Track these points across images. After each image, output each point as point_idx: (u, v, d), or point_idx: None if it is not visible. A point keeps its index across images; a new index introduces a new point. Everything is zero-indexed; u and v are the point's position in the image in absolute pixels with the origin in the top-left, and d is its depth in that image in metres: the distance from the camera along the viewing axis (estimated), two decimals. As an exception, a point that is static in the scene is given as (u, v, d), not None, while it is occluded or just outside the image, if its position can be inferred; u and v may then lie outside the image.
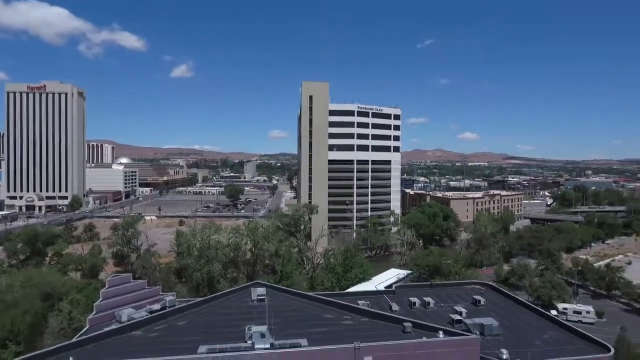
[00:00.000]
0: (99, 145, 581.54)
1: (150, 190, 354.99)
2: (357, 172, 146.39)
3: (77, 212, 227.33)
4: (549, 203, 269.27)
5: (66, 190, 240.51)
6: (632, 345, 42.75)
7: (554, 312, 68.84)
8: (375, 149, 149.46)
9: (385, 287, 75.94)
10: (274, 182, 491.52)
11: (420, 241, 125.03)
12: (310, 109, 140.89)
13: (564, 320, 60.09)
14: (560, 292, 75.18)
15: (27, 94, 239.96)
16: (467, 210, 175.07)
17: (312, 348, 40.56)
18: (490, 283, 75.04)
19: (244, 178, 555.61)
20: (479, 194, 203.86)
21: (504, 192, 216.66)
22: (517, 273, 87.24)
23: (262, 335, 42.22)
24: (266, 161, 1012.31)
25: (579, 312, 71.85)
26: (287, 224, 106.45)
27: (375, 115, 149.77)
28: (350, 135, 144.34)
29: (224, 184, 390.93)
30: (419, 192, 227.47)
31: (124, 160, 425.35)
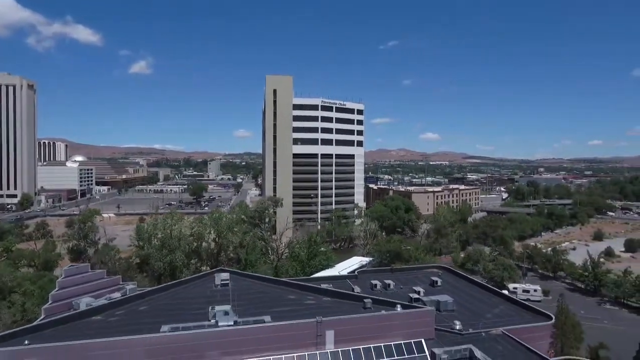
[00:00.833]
0: (51, 143, 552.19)
1: (108, 189, 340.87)
2: (321, 165, 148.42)
3: (27, 211, 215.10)
4: (504, 197, 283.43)
5: (15, 189, 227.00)
6: (569, 312, 46.85)
7: (505, 291, 73.52)
8: (339, 143, 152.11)
9: (348, 273, 78.05)
10: (239, 180, 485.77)
11: (383, 233, 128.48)
12: (275, 102, 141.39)
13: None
14: (511, 273, 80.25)
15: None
16: (428, 203, 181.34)
17: (276, 323, 41.60)
18: (448, 266, 78.90)
19: (208, 177, 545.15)
20: (439, 188, 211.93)
21: (462, 187, 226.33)
22: (472, 258, 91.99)
23: (226, 313, 42.77)
24: (231, 160, 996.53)
25: (528, 291, 77.02)
26: (251, 217, 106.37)
27: (338, 110, 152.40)
28: (315, 130, 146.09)
29: (186, 183, 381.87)
30: (382, 187, 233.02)
31: (79, 158, 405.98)
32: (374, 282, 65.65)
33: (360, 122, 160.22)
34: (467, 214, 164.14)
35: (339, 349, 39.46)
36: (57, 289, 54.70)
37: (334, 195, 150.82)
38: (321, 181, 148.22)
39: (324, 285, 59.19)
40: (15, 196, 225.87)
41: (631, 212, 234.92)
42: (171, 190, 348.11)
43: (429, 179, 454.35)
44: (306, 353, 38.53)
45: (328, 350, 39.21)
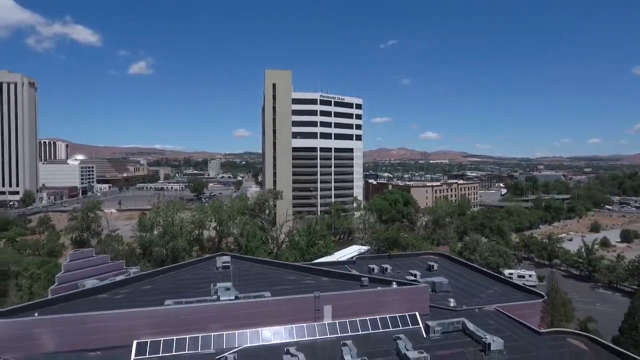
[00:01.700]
0: (52, 142, 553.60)
1: (109, 187, 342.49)
2: (320, 159, 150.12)
3: (30, 207, 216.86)
4: (503, 193, 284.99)
5: (17, 185, 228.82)
6: (560, 290, 48.36)
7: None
8: (338, 137, 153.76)
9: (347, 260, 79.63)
10: (239, 178, 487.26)
11: (382, 226, 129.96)
12: (274, 97, 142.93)
13: (509, 283, 65.65)
14: (507, 259, 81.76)
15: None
16: (427, 197, 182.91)
17: (275, 298, 43.18)
18: (444, 253, 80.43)
19: (208, 175, 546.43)
20: (437, 183, 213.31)
21: (461, 181, 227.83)
22: (469, 247, 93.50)
23: (227, 289, 44.39)
24: (231, 160, 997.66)
25: (523, 277, 78.55)
26: (252, 209, 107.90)
27: (337, 104, 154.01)
28: (314, 124, 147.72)
29: (187, 181, 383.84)
30: (382, 182, 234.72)
31: (80, 157, 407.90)
32: (371, 266, 67.17)
33: (359, 117, 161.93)
34: (466, 207, 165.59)
35: (336, 321, 40.96)
36: (62, 271, 56.27)
37: (333, 188, 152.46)
38: (320, 174, 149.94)
39: (322, 269, 60.62)
40: (17, 193, 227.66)
41: (629, 206, 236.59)
42: (172, 187, 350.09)
43: (429, 176, 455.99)
44: (304, 325, 40.03)
45: (326, 322, 40.71)
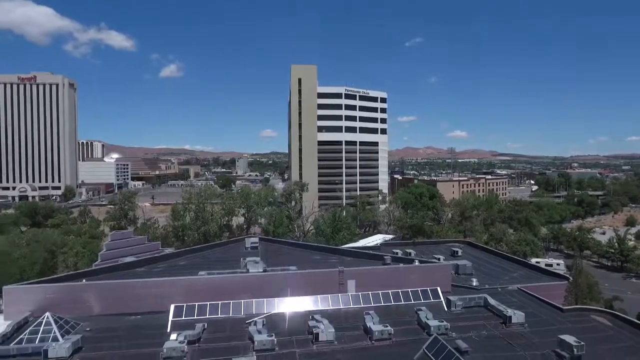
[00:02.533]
0: (89, 143, 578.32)
1: (143, 184, 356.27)
2: (345, 152, 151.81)
3: (70, 202, 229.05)
4: (533, 190, 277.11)
5: (59, 181, 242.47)
6: (584, 271, 48.17)
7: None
8: (363, 130, 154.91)
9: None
10: (266, 176, 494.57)
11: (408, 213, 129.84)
12: (299, 91, 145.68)
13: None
14: (534, 248, 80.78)
15: (18, 85, 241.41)
16: (453, 192, 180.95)
17: (301, 271, 45.43)
18: (470, 241, 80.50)
19: (236, 173, 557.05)
20: (464, 178, 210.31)
21: (489, 177, 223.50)
22: (495, 237, 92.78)
23: (256, 262, 46.98)
24: (258, 159, 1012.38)
25: (550, 265, 77.37)
26: (279, 201, 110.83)
27: (362, 98, 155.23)
28: (339, 117, 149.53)
29: (215, 178, 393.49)
30: (408, 177, 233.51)
31: (115, 155, 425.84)
32: (395, 251, 68.37)
33: (383, 110, 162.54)
34: (493, 202, 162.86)
35: (360, 293, 42.65)
36: (104, 250, 60.63)
37: (358, 181, 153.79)
38: (346, 168, 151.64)
39: (347, 255, 62.36)
40: (59, 188, 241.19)
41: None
42: (202, 184, 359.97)
43: (457, 174, 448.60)
44: (329, 295, 41.95)
45: (349, 294, 42.48)
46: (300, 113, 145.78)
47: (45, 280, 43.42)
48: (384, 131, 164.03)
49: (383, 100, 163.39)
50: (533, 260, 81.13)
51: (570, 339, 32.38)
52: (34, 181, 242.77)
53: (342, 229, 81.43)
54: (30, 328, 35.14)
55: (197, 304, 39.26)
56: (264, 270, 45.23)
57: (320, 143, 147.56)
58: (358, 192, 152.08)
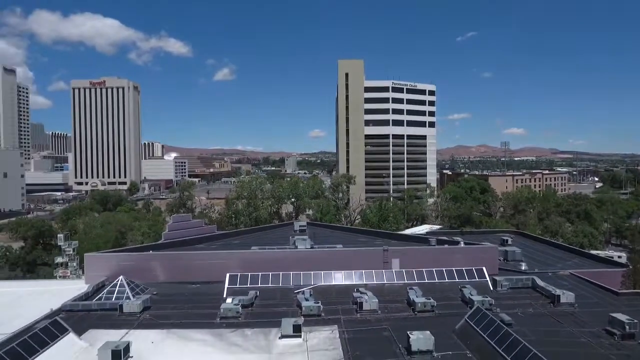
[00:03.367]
0: (150, 143, 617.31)
1: (198, 181, 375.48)
2: (392, 146, 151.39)
3: (134, 196, 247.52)
4: (597, 187, 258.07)
5: (125, 177, 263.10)
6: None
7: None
8: (410, 124, 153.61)
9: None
10: (314, 174, 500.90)
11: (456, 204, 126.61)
12: (347, 86, 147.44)
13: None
14: (592, 240, 76.47)
15: (90, 89, 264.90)
16: (507, 187, 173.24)
17: (347, 249, 47.38)
18: (522, 231, 77.87)
19: (285, 171, 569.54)
20: (519, 173, 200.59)
21: (546, 171, 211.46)
22: (550, 230, 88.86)
23: (304, 240, 49.57)
24: (306, 158, 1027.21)
25: (611, 257, 72.92)
26: (325, 194, 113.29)
27: (409, 91, 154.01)
28: (386, 111, 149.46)
29: (266, 175, 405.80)
30: (458, 172, 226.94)
31: (174, 154, 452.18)
32: (441, 238, 68.12)
33: (431, 103, 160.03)
34: (551, 197, 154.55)
35: (404, 270, 43.76)
36: (167, 230, 66.21)
37: (405, 175, 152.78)
38: (393, 161, 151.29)
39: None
40: (125, 183, 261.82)
41: None
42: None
43: (511, 172, 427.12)
44: (373, 271, 43.50)
45: (393, 270, 43.75)
46: (347, 107, 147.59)
47: (118, 250, 48.91)
48: (432, 124, 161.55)
49: (431, 93, 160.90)
50: (592, 253, 76.89)
51: (622, 316, 31.53)
52: (103, 177, 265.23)
53: (389, 218, 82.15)
54: (108, 288, 40.08)
55: (250, 273, 42.48)
56: (311, 247, 47.72)
57: (367, 137, 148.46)
58: (405, 186, 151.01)
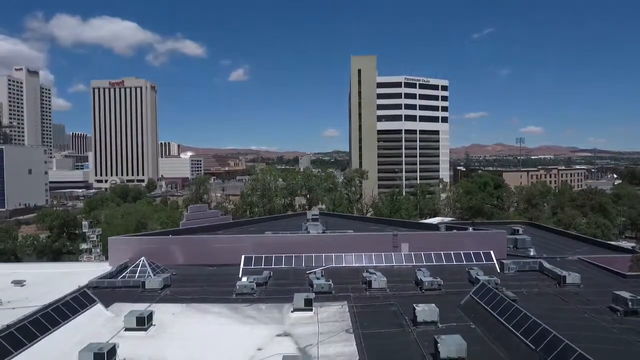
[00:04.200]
0: (166, 143, 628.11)
1: (214, 179, 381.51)
2: (405, 141, 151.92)
3: (152, 193, 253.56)
4: (616, 183, 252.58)
5: (143, 175, 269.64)
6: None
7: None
8: (423, 119, 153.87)
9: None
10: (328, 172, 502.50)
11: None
12: (359, 81, 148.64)
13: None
14: (605, 231, 76.11)
15: (109, 89, 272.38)
16: (521, 183, 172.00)
17: (357, 233, 48.92)
18: (533, 222, 78.03)
19: (299, 169, 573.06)
20: (534, 169, 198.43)
21: (562, 167, 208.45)
22: (564, 222, 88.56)
23: (316, 226, 51.28)
24: (320, 158, 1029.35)
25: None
26: (338, 189, 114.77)
27: (422, 86, 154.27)
28: (398, 106, 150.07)
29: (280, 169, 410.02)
30: (472, 168, 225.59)
31: (190, 153, 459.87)
32: (451, 225, 68.86)
33: (444, 99, 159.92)
34: (567, 192, 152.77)
35: (412, 253, 45.07)
36: (184, 220, 68.76)
37: (418, 170, 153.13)
38: (405, 156, 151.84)
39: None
40: (142, 181, 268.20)
41: None
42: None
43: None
44: (383, 253, 44.93)
45: (402, 253, 45.11)
46: (360, 103, 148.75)
47: (140, 234, 51.41)
48: (445, 120, 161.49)
49: (444, 88, 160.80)
50: (605, 244, 76.42)
51: (625, 294, 32.32)
52: (122, 174, 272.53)
53: (400, 209, 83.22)
54: (130, 268, 42.54)
55: (264, 255, 44.39)
56: (323, 232, 49.40)
57: (380, 132, 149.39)
58: (418, 181, 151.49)
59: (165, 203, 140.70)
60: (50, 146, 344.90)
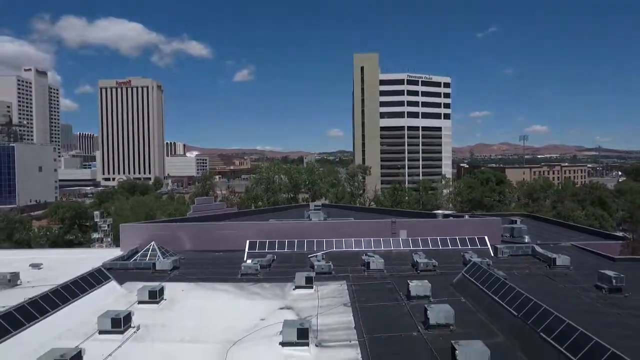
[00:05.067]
0: (172, 143, 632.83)
1: (219, 177, 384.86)
2: (408, 138, 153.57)
3: (158, 191, 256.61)
4: (620, 181, 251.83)
5: (149, 173, 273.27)
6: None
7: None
8: (426, 116, 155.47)
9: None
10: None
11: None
12: (362, 79, 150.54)
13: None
14: (603, 223, 77.38)
15: (116, 88, 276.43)
16: (524, 179, 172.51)
17: (357, 220, 50.92)
18: (532, 214, 79.46)
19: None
20: (537, 165, 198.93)
21: (565, 164, 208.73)
22: (563, 215, 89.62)
23: (318, 214, 53.36)
24: (325, 157, 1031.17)
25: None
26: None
27: (424, 83, 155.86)
28: (401, 103, 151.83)
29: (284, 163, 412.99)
30: (475, 165, 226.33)
31: (195, 152, 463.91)
32: (448, 213, 70.56)
33: (447, 95, 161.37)
34: (570, 188, 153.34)
35: (410, 238, 47.04)
36: (191, 211, 71.14)
37: (421, 166, 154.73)
38: (408, 152, 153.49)
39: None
40: (149, 179, 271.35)
41: None
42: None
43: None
44: (381, 238, 46.94)
45: (400, 238, 47.08)
46: (363, 100, 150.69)
47: (149, 221, 53.74)
48: (447, 116, 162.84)
49: (446, 85, 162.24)
50: (602, 235, 77.65)
51: (610, 272, 34.02)
52: (129, 173, 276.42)
53: (402, 202, 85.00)
54: (141, 252, 44.91)
55: (267, 240, 46.57)
56: (325, 219, 51.45)
57: (382, 129, 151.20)
58: (421, 177, 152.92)
59: (172, 198, 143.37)
60: (59, 146, 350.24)
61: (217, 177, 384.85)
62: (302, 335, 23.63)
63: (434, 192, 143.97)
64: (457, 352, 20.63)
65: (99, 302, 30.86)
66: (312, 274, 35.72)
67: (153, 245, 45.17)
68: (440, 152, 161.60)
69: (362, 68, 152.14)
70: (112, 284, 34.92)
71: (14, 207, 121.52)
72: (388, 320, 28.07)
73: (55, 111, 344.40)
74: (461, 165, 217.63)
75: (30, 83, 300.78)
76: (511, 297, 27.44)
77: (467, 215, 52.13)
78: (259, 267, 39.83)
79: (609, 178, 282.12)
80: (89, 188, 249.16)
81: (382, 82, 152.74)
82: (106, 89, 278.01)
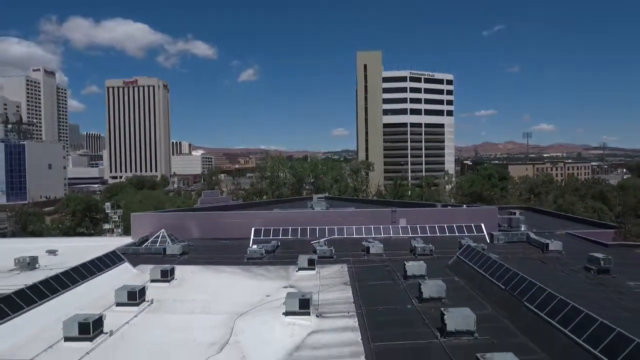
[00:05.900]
0: (178, 142, 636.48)
1: (224, 176, 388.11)
2: (410, 134, 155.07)
3: (164, 189, 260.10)
4: (624, 177, 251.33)
5: (156, 171, 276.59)
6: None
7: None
8: (428, 112, 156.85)
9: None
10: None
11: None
12: (365, 77, 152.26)
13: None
14: (602, 216, 78.52)
15: (123, 88, 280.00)
16: (527, 176, 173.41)
17: (358, 210, 52.77)
18: (531, 207, 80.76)
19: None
20: (540, 162, 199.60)
21: (569, 161, 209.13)
22: (563, 209, 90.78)
23: (320, 204, 55.29)
24: (330, 157, 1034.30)
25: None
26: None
27: (427, 80, 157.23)
28: (403, 100, 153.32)
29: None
30: (478, 161, 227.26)
31: (201, 151, 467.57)
32: (447, 203, 72.15)
33: (449, 92, 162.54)
34: (573, 184, 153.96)
35: (409, 226, 48.83)
36: (199, 204, 73.38)
37: (423, 163, 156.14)
38: (411, 149, 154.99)
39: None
40: (156, 177, 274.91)
41: None
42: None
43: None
44: (381, 226, 48.77)
45: (400, 226, 48.88)
46: (366, 98, 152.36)
47: (159, 210, 55.97)
48: (450, 113, 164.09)
49: (449, 82, 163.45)
50: (600, 228, 78.80)
51: (599, 255, 35.66)
52: (136, 171, 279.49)
53: (404, 196, 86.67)
54: (152, 239, 47.05)
55: (272, 227, 48.57)
56: (327, 208, 53.36)
57: (385, 126, 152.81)
58: (424, 173, 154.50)
59: (179, 194, 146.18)
60: (67, 144, 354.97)
61: (222, 175, 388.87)
62: (303, 305, 25.59)
63: (437, 188, 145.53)
64: (445, 317, 22.45)
65: (115, 280, 32.97)
66: (315, 257, 37.64)
67: (163, 233, 47.30)
68: (443, 149, 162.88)
69: (365, 66, 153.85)
70: (126, 265, 37.10)
71: (25, 203, 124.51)
72: (385, 296, 29.93)
73: (63, 111, 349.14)
74: (465, 162, 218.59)
75: (39, 83, 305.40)
76: (500, 273, 29.25)
77: (465, 206, 53.70)
78: (264, 251, 41.82)
79: (614, 175, 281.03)
80: (97, 185, 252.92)
81: (385, 80, 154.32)
82: (113, 88, 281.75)
